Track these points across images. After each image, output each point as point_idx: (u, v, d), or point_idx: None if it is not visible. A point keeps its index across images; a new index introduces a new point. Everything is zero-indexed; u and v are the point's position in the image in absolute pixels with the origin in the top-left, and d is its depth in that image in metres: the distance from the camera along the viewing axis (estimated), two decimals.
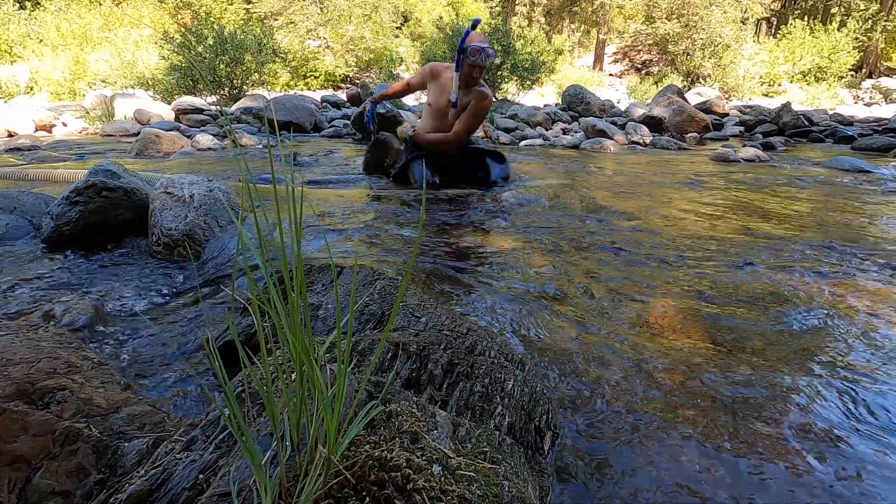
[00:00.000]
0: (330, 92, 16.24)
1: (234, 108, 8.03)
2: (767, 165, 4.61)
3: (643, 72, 22.15)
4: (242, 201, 2.10)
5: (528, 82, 13.07)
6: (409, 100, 13.76)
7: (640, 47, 22.42)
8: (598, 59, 23.63)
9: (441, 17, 14.57)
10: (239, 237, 0.41)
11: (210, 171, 3.67)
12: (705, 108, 9.59)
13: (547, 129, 7.31)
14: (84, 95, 10.70)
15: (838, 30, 19.87)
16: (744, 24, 19.26)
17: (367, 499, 0.46)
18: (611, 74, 22.82)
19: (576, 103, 8.64)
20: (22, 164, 3.98)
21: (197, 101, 7.77)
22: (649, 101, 10.41)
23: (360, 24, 19.65)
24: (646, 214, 2.59)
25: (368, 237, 2.08)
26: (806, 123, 8.08)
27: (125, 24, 16.49)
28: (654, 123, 7.30)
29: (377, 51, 19.33)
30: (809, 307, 1.45)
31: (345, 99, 11.60)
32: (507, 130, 6.97)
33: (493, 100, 2.90)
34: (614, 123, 7.11)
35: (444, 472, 0.50)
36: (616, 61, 24.50)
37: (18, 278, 1.57)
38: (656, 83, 17.31)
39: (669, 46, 20.27)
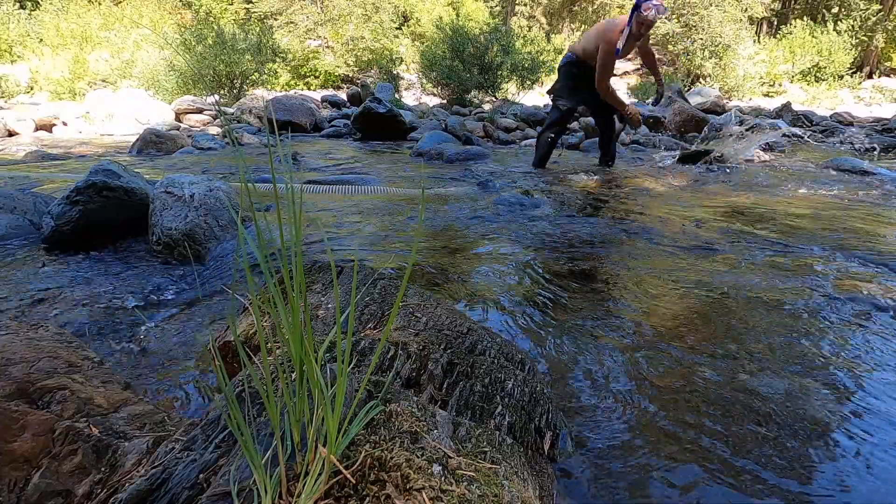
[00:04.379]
0: (330, 92, 16.25)
1: (233, 107, 8.04)
2: (768, 166, 4.61)
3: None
4: (242, 201, 2.10)
5: (529, 82, 13.09)
6: (409, 100, 13.77)
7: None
8: None
9: (441, 17, 14.57)
10: (239, 237, 0.41)
11: (211, 171, 3.67)
12: (706, 108, 9.59)
13: None
14: (84, 95, 10.71)
15: (835, 29, 19.88)
16: (741, 21, 19.24)
17: (367, 499, 0.46)
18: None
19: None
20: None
21: (197, 101, 7.77)
22: (649, 100, 10.41)
23: (360, 25, 19.66)
24: (644, 215, 2.59)
25: (368, 237, 2.08)
26: (806, 123, 8.09)
27: (124, 24, 16.48)
28: (654, 123, 7.29)
29: (377, 51, 19.33)
30: (809, 308, 1.45)
31: (345, 99, 11.61)
32: (507, 130, 6.97)
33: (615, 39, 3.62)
34: None
35: (444, 472, 0.50)
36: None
37: (19, 278, 1.57)
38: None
39: (669, 46, 20.28)
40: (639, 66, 23.86)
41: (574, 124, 7.35)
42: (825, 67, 19.53)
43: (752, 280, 1.65)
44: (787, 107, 8.51)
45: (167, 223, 1.82)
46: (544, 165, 4.11)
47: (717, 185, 3.52)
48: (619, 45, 3.50)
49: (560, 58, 4.19)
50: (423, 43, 17.33)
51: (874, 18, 20.93)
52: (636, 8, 3.36)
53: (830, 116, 10.00)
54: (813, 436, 0.91)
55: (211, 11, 21.99)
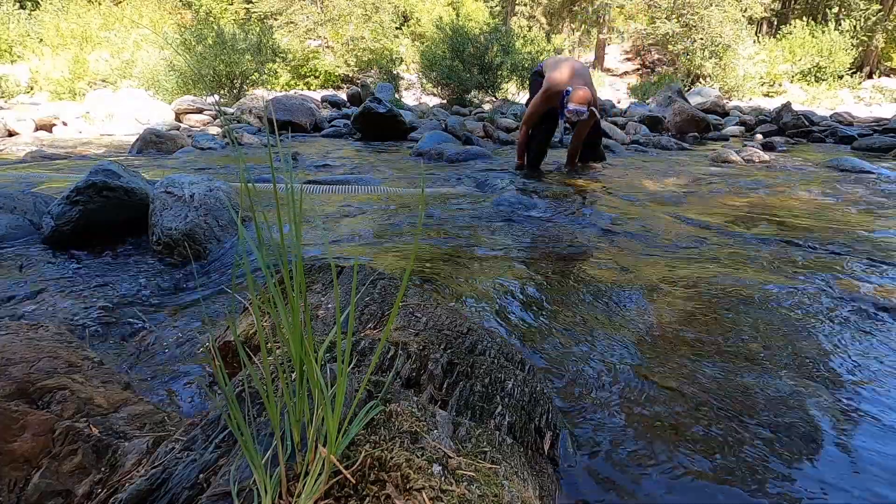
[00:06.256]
0: (330, 92, 16.24)
1: (233, 107, 8.04)
2: (768, 166, 4.61)
3: (653, 71, 22.18)
4: (242, 201, 2.10)
5: (528, 82, 13.08)
6: (409, 100, 13.77)
7: (650, 47, 22.47)
8: (599, 59, 23.63)
9: (441, 18, 14.58)
10: (239, 236, 0.41)
11: (211, 171, 3.67)
12: (706, 108, 9.59)
13: None
14: (84, 95, 10.71)
15: (836, 29, 19.88)
16: (741, 21, 19.23)
17: (367, 499, 0.46)
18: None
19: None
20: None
21: (197, 101, 7.77)
22: (650, 100, 10.42)
23: (360, 25, 19.65)
24: (645, 215, 2.59)
25: (368, 237, 2.08)
26: (806, 123, 8.08)
27: (124, 24, 16.49)
28: (653, 123, 7.30)
29: (377, 51, 19.32)
30: (810, 308, 1.45)
31: (345, 99, 11.61)
32: (507, 130, 6.96)
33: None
34: (615, 123, 7.11)
35: (444, 472, 0.50)
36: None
37: (18, 278, 1.57)
38: (656, 83, 17.33)
39: (669, 46, 20.28)
40: (639, 67, 23.87)
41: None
42: (825, 67, 19.52)
43: (752, 280, 1.65)
44: (787, 107, 8.50)
45: (167, 223, 1.82)
46: (538, 166, 4.12)
47: (717, 185, 3.52)
48: (558, 136, 4.01)
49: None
50: (423, 43, 17.33)
51: (874, 18, 20.92)
52: (562, 106, 3.63)
53: (830, 116, 9.99)
54: (813, 436, 0.91)
55: (211, 11, 21.99)
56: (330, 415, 0.47)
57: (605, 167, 4.29)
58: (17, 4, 19.17)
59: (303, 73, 19.16)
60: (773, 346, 1.22)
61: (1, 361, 0.73)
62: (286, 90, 16.57)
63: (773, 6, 22.42)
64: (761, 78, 19.07)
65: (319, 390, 0.49)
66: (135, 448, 0.65)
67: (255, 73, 11.27)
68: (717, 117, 9.25)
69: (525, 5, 25.95)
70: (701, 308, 1.43)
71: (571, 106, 3.54)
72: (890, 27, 21.21)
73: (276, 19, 20.57)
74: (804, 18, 21.57)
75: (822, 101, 16.87)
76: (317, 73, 19.41)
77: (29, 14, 18.94)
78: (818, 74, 19.64)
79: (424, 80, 14.37)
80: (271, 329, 0.86)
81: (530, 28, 21.81)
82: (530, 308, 1.43)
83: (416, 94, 15.72)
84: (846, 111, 10.71)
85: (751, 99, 17.60)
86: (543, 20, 25.80)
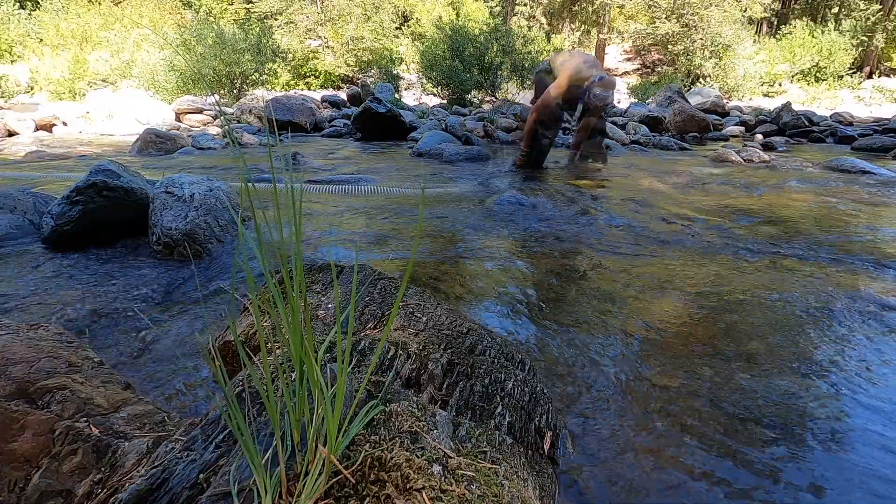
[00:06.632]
0: (330, 92, 16.24)
1: (233, 107, 8.04)
2: (768, 166, 4.61)
3: (653, 71, 22.21)
4: (242, 201, 2.10)
5: (529, 82, 13.09)
6: (409, 100, 13.77)
7: (650, 47, 22.51)
8: (599, 59, 23.62)
9: (441, 18, 14.59)
10: (239, 237, 0.41)
11: (211, 171, 3.67)
12: (706, 108, 9.59)
13: None
14: (84, 95, 10.71)
15: (836, 29, 19.90)
16: (739, 22, 19.25)
17: (367, 499, 0.46)
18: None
19: (575, 103, 8.63)
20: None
21: (197, 101, 7.77)
22: (650, 100, 10.43)
23: (360, 25, 19.67)
24: (645, 215, 2.59)
25: (368, 237, 2.08)
26: (806, 123, 8.08)
27: (124, 24, 16.49)
28: (654, 123, 7.30)
29: (377, 51, 19.33)
30: (809, 308, 1.45)
31: (345, 99, 11.60)
32: (507, 130, 6.96)
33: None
34: (615, 123, 7.11)
35: (444, 472, 0.50)
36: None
37: (19, 278, 1.57)
38: (656, 83, 17.34)
39: (669, 46, 20.31)
40: (639, 67, 23.88)
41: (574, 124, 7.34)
42: (825, 67, 19.54)
43: (751, 280, 1.65)
44: (786, 107, 8.50)
45: (167, 223, 1.82)
46: (541, 165, 4.14)
47: (717, 185, 3.52)
48: (573, 121, 4.14)
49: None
50: (423, 43, 17.34)
51: (874, 18, 20.93)
52: (585, 92, 3.75)
53: (830, 116, 9.98)
54: (812, 436, 0.91)
55: (211, 11, 22.00)
56: (330, 415, 0.47)
57: (606, 167, 4.29)
58: (17, 4, 19.17)
59: (303, 73, 19.17)
60: (773, 346, 1.22)
61: (1, 361, 0.73)
62: (286, 90, 16.57)
63: (773, 6, 22.43)
64: (761, 78, 19.09)
65: (319, 390, 0.49)
66: (135, 448, 0.65)
67: (255, 73, 11.27)
68: (718, 117, 9.25)
69: (525, 5, 25.96)
70: (701, 308, 1.43)
71: (598, 91, 3.65)
72: (890, 27, 21.22)
73: (276, 19, 20.58)
74: (804, 18, 21.58)
75: (822, 101, 16.88)
76: (317, 73, 19.42)
77: (29, 14, 18.94)
78: (818, 74, 19.66)
79: (424, 80, 14.38)
80: (271, 329, 0.86)
81: (530, 28, 21.82)
82: (530, 308, 1.43)
83: (416, 94, 15.73)
84: (846, 111, 10.70)
85: (751, 99, 17.61)
86: (543, 20, 25.80)
